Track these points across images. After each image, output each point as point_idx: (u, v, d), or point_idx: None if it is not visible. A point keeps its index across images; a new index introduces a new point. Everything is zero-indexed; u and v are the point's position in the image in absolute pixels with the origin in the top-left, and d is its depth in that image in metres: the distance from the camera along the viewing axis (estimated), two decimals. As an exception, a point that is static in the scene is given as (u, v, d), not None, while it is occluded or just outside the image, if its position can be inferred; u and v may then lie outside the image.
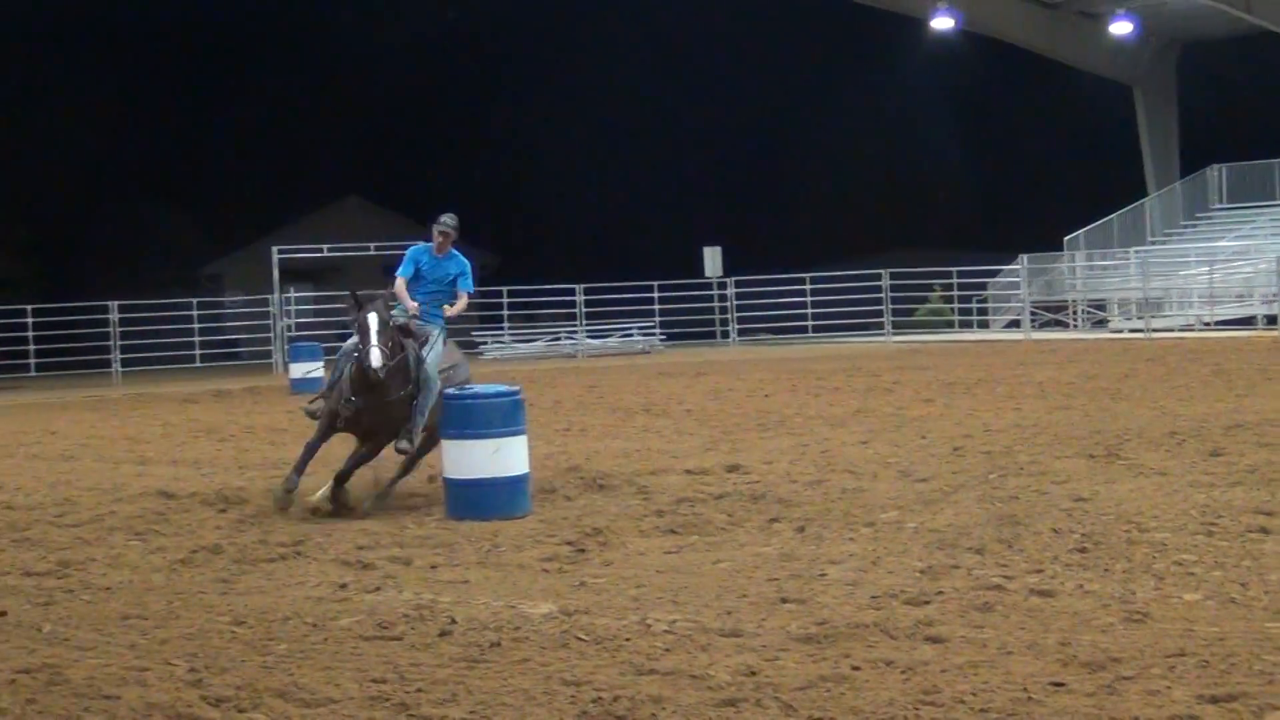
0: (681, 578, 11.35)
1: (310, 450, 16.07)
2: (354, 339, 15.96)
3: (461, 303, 16.71)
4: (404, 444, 15.94)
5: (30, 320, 46.83)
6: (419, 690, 8.39)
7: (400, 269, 16.76)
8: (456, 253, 16.78)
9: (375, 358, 15.37)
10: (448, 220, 16.79)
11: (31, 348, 46.79)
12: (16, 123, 67.87)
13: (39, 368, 46.92)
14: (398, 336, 15.93)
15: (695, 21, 73.65)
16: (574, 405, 28.34)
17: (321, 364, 37.16)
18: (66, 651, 9.56)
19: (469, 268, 16.89)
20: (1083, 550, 11.66)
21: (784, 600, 10.40)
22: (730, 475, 16.98)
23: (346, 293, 16.22)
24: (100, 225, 72.86)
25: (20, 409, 34.62)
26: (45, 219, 71.53)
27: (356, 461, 16.09)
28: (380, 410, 15.77)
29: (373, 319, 15.52)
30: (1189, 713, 7.59)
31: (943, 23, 56.66)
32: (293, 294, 48.79)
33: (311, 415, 16.49)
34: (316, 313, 54.44)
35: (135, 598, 11.29)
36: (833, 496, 15.04)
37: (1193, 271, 50.53)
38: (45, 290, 56.72)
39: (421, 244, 16.97)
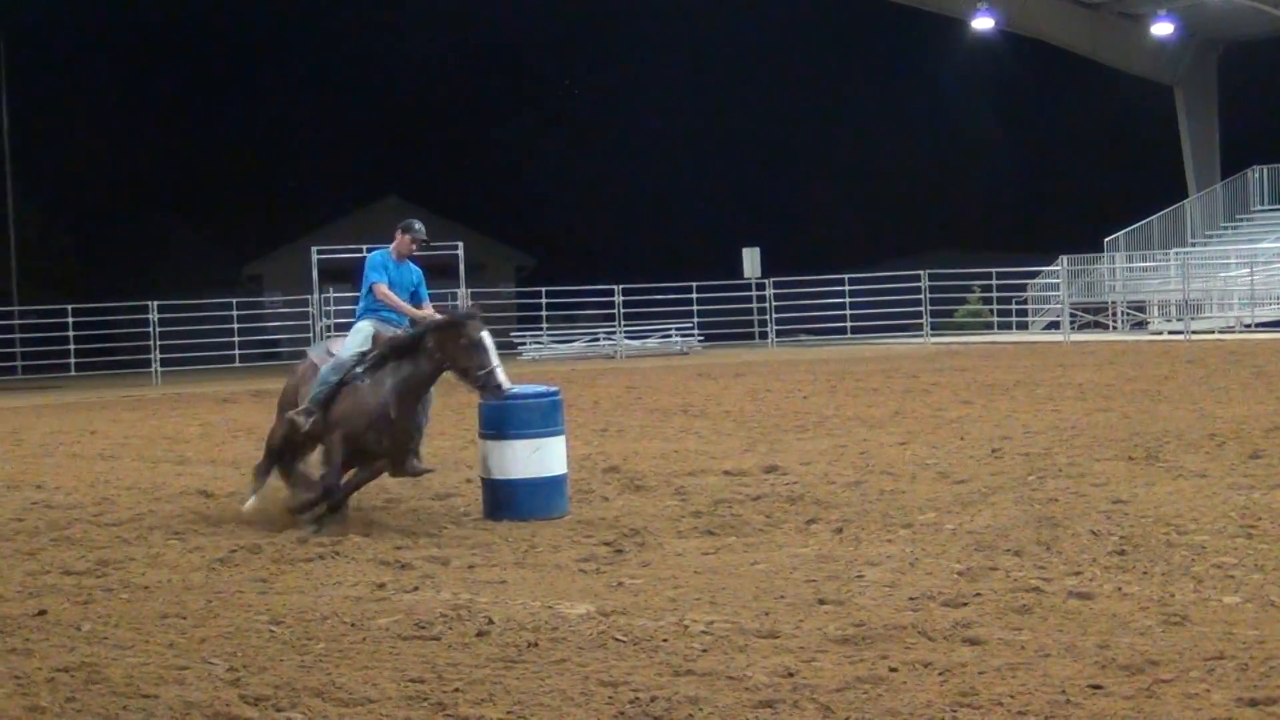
0: (719, 579, 11.35)
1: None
2: (349, 349, 15.25)
3: (428, 310, 15.67)
4: (417, 464, 15.10)
5: (70, 320, 47.01)
6: (456, 690, 8.40)
7: (377, 276, 15.63)
8: (410, 261, 16.00)
9: (506, 380, 14.51)
10: (421, 227, 16.10)
11: (72, 347, 46.99)
12: (57, 122, 68.11)
13: (79, 367, 47.12)
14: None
15: (736, 21, 73.65)
16: (612, 406, 28.35)
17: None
18: (105, 650, 9.60)
19: (422, 276, 16.02)
20: (1121, 553, 11.63)
21: (821, 601, 10.39)
22: (768, 476, 16.97)
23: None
24: (141, 226, 73.15)
25: (60, 408, 34.75)
26: (86, 220, 71.85)
27: (356, 485, 15.20)
28: (402, 432, 14.87)
29: (489, 337, 14.54)
30: (1228, 716, 7.57)
31: (983, 23, 56.53)
32: (332, 294, 48.84)
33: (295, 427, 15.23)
34: (356, 313, 54.51)
35: (174, 597, 11.32)
36: (871, 498, 15.02)
37: (1233, 273, 50.34)
38: (85, 290, 56.92)
39: (380, 251, 15.99)
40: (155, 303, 46.15)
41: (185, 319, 47.23)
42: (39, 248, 67.13)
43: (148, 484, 18.49)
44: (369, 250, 16.83)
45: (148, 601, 11.18)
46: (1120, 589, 10.44)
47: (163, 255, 70.96)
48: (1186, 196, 57.58)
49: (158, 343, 46.23)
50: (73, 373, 46.78)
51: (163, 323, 46.23)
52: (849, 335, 53.49)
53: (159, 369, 45.77)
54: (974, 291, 56.07)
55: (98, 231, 71.81)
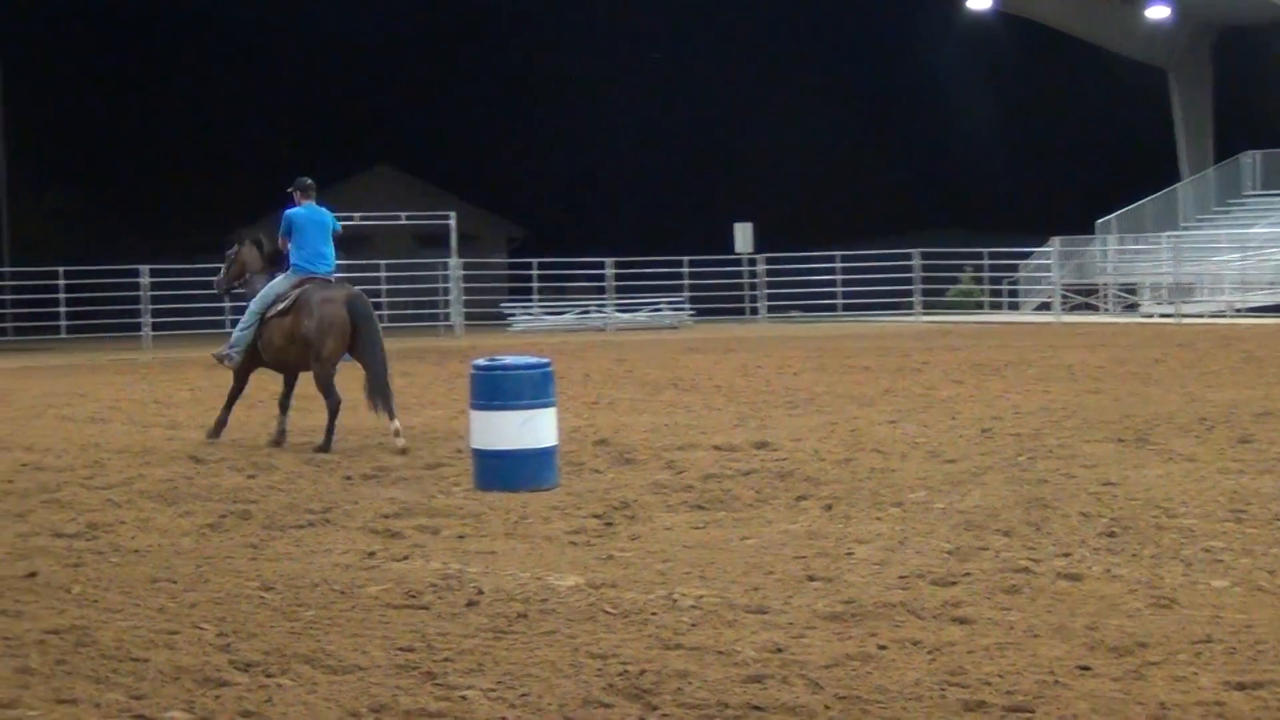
0: (708, 553, 11.36)
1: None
2: (276, 286, 18.75)
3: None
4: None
5: (61, 283, 47.02)
6: (446, 659, 8.41)
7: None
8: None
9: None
10: (303, 180, 19.43)
11: (62, 310, 47.00)
12: (49, 82, 67.98)
13: (69, 330, 47.10)
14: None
15: (730, -5, 73.73)
16: (603, 379, 28.35)
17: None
18: (95, 613, 9.60)
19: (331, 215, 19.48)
20: (1111, 535, 11.65)
21: (811, 578, 10.40)
22: (758, 452, 16.97)
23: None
24: (131, 189, 73.02)
25: (50, 371, 34.74)
26: (75, 182, 71.72)
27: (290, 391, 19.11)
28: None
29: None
30: (1215, 699, 7.58)
31: (979, 3, 56.56)
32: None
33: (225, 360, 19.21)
34: (346, 281, 54.50)
35: (164, 561, 11.33)
36: (861, 476, 15.03)
37: (1225, 257, 50.39)
38: (75, 253, 56.86)
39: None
40: (146, 267, 46.13)
41: (175, 283, 47.19)
42: (30, 209, 67.00)
43: (138, 448, 18.47)
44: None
45: (138, 565, 11.18)
46: (1109, 571, 10.45)
47: (153, 219, 70.87)
48: (1179, 180, 57.64)
49: (149, 306, 46.22)
50: (63, 335, 46.76)
51: (153, 287, 46.21)
52: (840, 312, 53.55)
53: (150, 333, 45.76)
54: (966, 271, 56.14)
55: (88, 194, 71.73)
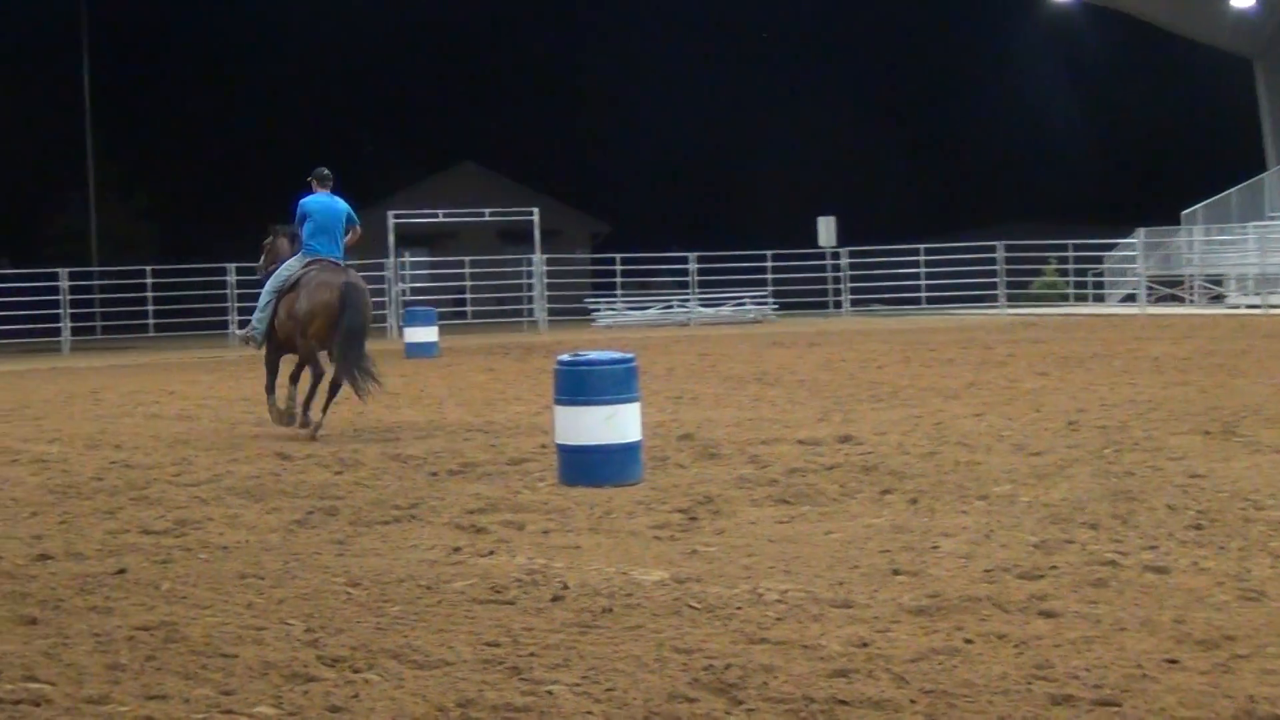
0: (793, 547, 11.33)
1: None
2: (289, 267, 20.02)
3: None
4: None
5: (150, 281, 47.38)
6: (531, 654, 8.42)
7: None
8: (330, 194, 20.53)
9: None
10: (321, 170, 20.61)
11: (150, 308, 47.36)
12: (137, 81, 68.45)
13: (157, 328, 47.44)
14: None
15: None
16: (686, 373, 28.35)
17: (436, 328, 37.42)
18: (184, 609, 9.66)
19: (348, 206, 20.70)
20: (1198, 527, 11.56)
21: (896, 572, 10.36)
22: (842, 446, 16.93)
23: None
24: (220, 189, 73.47)
25: (139, 369, 35.00)
26: (165, 182, 72.21)
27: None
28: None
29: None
30: (1305, 692, 7.51)
31: (1063, -6, 56.20)
32: (408, 259, 49.05)
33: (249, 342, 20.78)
34: (431, 277, 54.74)
35: (252, 557, 11.38)
36: (946, 469, 14.97)
37: (1312, 248, 49.95)
38: (165, 252, 57.25)
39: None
40: (234, 265, 46.42)
41: (260, 282, 47.43)
42: (119, 209, 67.54)
43: (225, 445, 18.60)
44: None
45: (226, 562, 11.25)
46: (1196, 563, 10.37)
47: (237, 218, 71.32)
48: (1265, 170, 57.11)
49: (235, 305, 46.52)
50: (151, 334, 47.12)
51: (240, 285, 46.50)
52: (923, 306, 53.40)
53: (236, 331, 45.98)
54: (1050, 263, 55.85)
55: (175, 194, 72.21)
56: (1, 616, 9.56)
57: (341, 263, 20.03)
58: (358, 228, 20.55)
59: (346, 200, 20.47)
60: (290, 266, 20.06)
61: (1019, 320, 46.07)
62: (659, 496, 13.76)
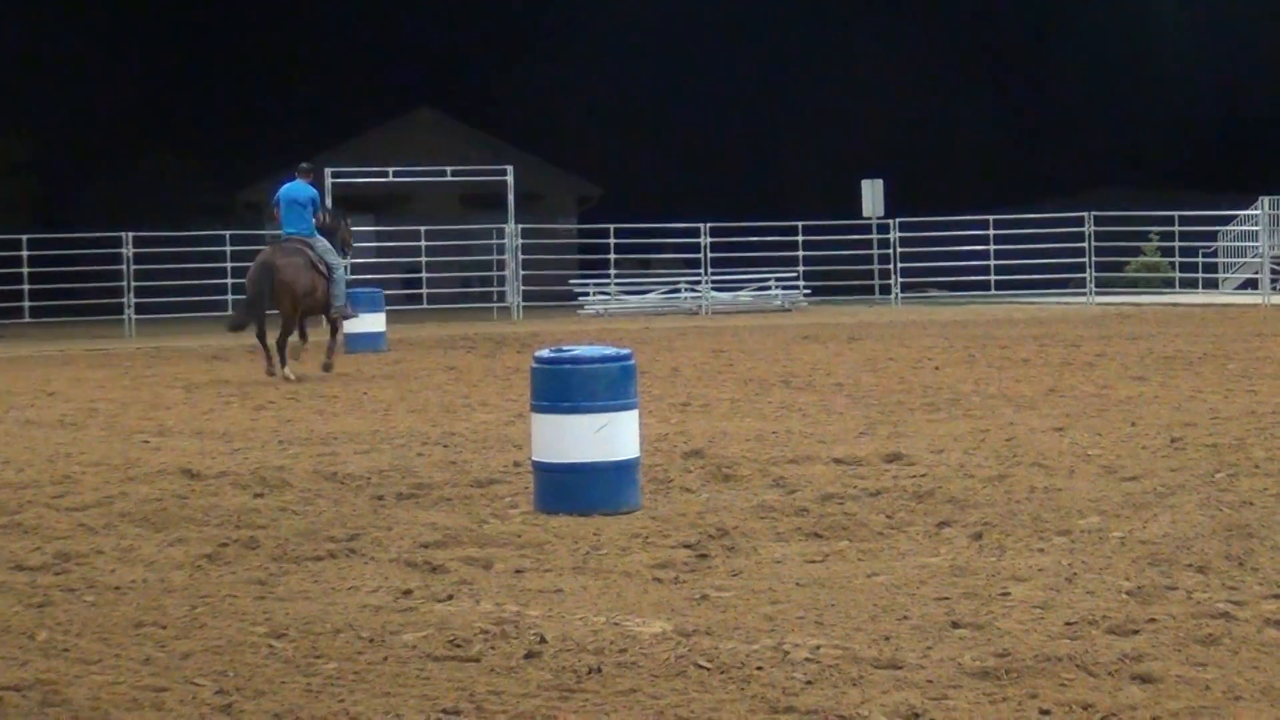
0: (827, 593, 11.35)
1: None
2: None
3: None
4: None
5: (25, 254, 47.19)
6: (499, 724, 8.44)
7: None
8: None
9: None
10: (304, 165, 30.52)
11: (26, 287, 47.21)
12: (28, 17, 68.51)
13: (34, 312, 47.32)
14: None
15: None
16: (696, 374, 28.42)
17: (383, 315, 37.40)
18: (66, 665, 9.66)
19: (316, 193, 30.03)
20: (1333, 571, 11.59)
21: (955, 625, 10.38)
22: (890, 467, 16.95)
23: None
24: (115, 139, 73.33)
25: (12, 364, 35.05)
26: (47, 129, 71.89)
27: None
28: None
29: None
30: None
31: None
32: (349, 225, 49.08)
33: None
34: (378, 251, 54.73)
35: (151, 601, 11.39)
36: (1018, 497, 14.99)
37: None
38: (45, 217, 57.21)
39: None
40: (130, 234, 46.28)
41: (167, 255, 47.45)
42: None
43: (119, 459, 18.61)
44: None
45: (119, 606, 11.25)
46: (1331, 617, 10.39)
47: (141, 177, 71.27)
48: None
49: (132, 284, 46.41)
50: (27, 318, 47.05)
51: (139, 259, 46.42)
52: (993, 291, 53.44)
53: (133, 316, 46.01)
54: (1150, 240, 55.88)
55: (61, 146, 72.05)
56: None
57: (308, 240, 28.99)
58: (320, 213, 29.69)
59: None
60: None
61: (1111, 311, 46.14)
62: (660, 528, 13.78)
